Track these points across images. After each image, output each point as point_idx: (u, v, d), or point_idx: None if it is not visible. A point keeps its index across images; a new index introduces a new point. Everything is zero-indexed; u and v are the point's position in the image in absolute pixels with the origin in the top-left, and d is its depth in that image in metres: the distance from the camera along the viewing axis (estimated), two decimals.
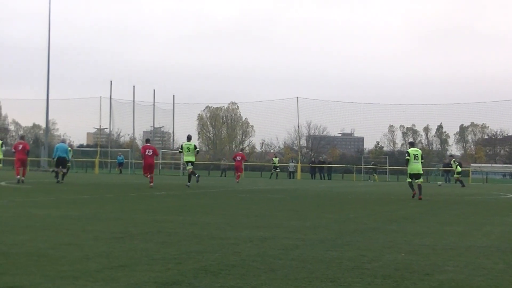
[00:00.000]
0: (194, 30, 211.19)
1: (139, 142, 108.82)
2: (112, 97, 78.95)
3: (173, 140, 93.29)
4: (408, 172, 26.19)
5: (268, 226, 12.68)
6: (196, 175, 32.89)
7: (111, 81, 79.26)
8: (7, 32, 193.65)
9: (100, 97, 78.25)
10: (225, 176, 67.87)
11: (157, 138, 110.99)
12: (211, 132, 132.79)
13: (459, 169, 51.59)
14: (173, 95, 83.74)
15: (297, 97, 73.35)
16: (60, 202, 18.44)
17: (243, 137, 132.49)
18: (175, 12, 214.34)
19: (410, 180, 26.05)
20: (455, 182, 52.07)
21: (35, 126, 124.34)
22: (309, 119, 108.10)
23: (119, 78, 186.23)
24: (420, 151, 27.01)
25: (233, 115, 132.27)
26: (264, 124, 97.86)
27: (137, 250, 8.75)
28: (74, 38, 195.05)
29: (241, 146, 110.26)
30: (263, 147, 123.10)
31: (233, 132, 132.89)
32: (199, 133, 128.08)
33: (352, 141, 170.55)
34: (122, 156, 71.68)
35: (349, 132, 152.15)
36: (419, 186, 25.42)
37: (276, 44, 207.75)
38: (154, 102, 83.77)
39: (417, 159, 26.07)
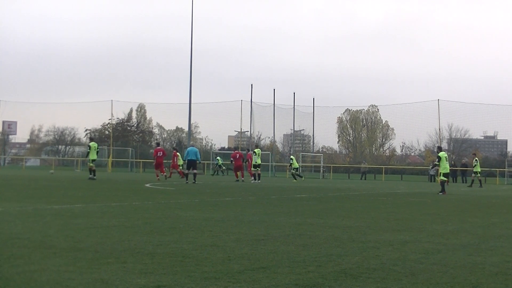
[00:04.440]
0: (333, 32, 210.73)
1: (280, 145, 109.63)
2: (252, 100, 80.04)
3: (313, 143, 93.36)
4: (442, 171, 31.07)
5: (409, 229, 12.56)
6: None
7: (251, 85, 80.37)
8: (152, 36, 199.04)
9: (241, 100, 79.48)
10: (365, 179, 67.49)
11: (297, 141, 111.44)
12: (351, 135, 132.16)
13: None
14: (313, 98, 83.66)
15: (438, 99, 72.09)
16: (203, 204, 18.81)
17: (383, 140, 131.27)
18: (321, 14, 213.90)
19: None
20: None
21: (178, 130, 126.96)
22: (450, 121, 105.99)
23: (259, 81, 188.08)
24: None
25: (373, 118, 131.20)
26: (404, 126, 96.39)
27: (278, 252, 8.87)
28: (216, 40, 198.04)
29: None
30: (403, 150, 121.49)
31: (373, 135, 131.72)
32: (339, 136, 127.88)
33: (495, 144, 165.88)
34: (218, 158, 71.47)
35: (492, 134, 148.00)
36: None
37: (417, 46, 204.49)
38: (294, 105, 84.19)
39: (447, 160, 31.44)
